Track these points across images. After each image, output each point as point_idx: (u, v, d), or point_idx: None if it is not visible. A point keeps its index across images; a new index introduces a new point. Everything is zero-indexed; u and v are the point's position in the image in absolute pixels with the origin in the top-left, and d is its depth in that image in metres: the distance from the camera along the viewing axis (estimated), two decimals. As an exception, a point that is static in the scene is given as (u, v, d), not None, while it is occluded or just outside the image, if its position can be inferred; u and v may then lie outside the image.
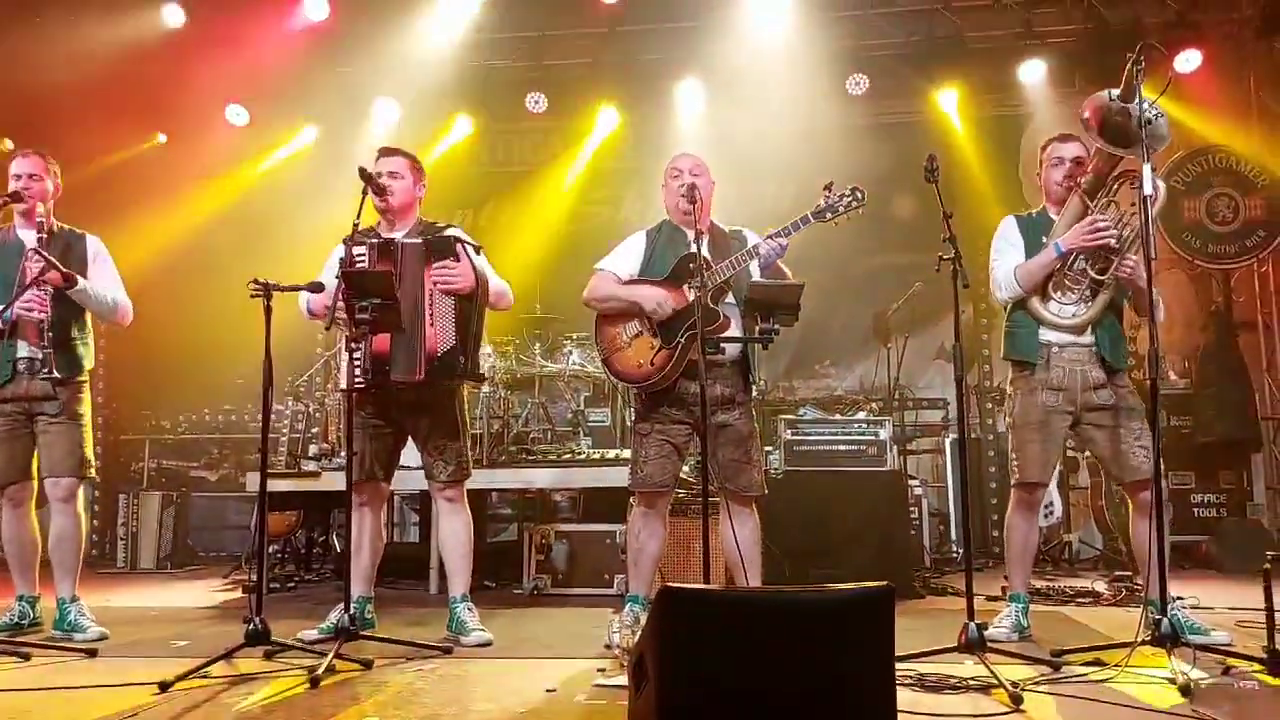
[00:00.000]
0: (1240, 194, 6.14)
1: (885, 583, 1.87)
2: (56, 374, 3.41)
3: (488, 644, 3.30)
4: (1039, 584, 4.52)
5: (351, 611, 3.05)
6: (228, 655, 2.90)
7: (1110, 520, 5.58)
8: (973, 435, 6.28)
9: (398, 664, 2.98)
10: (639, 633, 2.87)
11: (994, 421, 6.45)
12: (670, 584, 1.87)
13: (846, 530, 4.38)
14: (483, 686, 2.72)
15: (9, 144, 6.35)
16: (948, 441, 6.19)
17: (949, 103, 6.58)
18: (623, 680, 2.58)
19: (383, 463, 3.49)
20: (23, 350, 3.49)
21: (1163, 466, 2.93)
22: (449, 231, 3.54)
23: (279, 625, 3.06)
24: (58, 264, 3.40)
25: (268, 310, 3.07)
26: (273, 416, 4.52)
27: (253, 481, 5.23)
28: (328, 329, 3.26)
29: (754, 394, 3.56)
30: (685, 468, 3.69)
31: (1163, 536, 2.80)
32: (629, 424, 4.77)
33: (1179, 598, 3.20)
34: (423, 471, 3.55)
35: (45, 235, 3.48)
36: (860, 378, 6.77)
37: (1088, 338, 3.30)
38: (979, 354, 6.57)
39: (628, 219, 6.75)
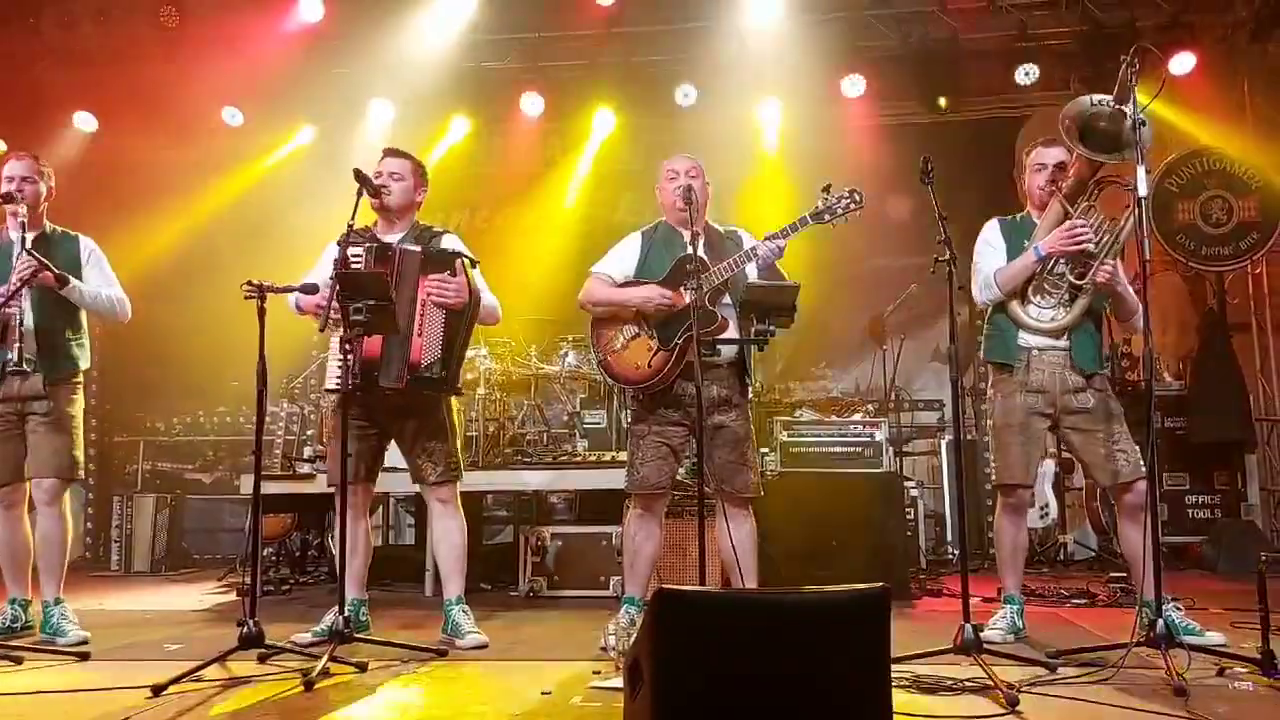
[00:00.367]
0: (1234, 196, 6.15)
1: (881, 584, 1.87)
2: (26, 368, 3.40)
3: (483, 646, 3.29)
4: (1034, 585, 4.52)
5: (346, 614, 3.04)
6: (221, 658, 2.89)
7: (1105, 521, 5.59)
8: (968, 437, 6.28)
9: (392, 667, 2.96)
10: (635, 635, 2.88)
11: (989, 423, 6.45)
12: (666, 586, 1.87)
13: (842, 532, 4.38)
14: (478, 689, 2.71)
15: (1, 145, 6.33)
16: (943, 443, 6.20)
17: (945, 105, 6.59)
18: (618, 683, 2.57)
19: (368, 465, 3.48)
20: (16, 351, 3.46)
21: (1155, 468, 2.94)
22: (445, 239, 3.54)
23: (273, 628, 3.05)
24: (49, 264, 3.39)
25: (262, 312, 3.06)
26: (267, 419, 4.52)
27: (247, 484, 5.21)
28: (322, 330, 3.25)
29: (750, 395, 3.56)
30: (681, 470, 3.69)
31: (1157, 537, 2.81)
32: (625, 426, 4.76)
33: (1172, 599, 3.20)
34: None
35: (31, 235, 3.46)
36: (856, 380, 6.77)
37: (1064, 342, 3.32)
38: (974, 356, 6.58)
39: (624, 221, 6.72)
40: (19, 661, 3.05)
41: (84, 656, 3.15)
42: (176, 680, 2.68)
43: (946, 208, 3.00)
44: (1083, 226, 3.17)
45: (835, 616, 1.83)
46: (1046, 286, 3.31)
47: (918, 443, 6.44)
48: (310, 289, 3.29)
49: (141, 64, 6.39)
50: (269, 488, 4.59)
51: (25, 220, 3.45)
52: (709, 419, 3.25)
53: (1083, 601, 4.28)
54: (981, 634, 2.83)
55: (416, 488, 4.84)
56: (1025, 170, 3.48)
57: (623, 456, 4.37)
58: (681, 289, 3.30)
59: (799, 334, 3.30)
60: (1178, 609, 3.21)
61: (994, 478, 3.42)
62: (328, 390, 3.35)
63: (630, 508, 3.49)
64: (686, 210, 3.28)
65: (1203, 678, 2.64)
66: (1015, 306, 3.33)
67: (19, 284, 3.35)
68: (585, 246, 5.45)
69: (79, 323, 3.65)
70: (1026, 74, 6.27)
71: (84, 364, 3.66)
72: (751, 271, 3.31)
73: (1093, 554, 5.74)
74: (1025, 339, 3.34)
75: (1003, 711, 2.37)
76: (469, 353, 5.21)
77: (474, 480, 4.78)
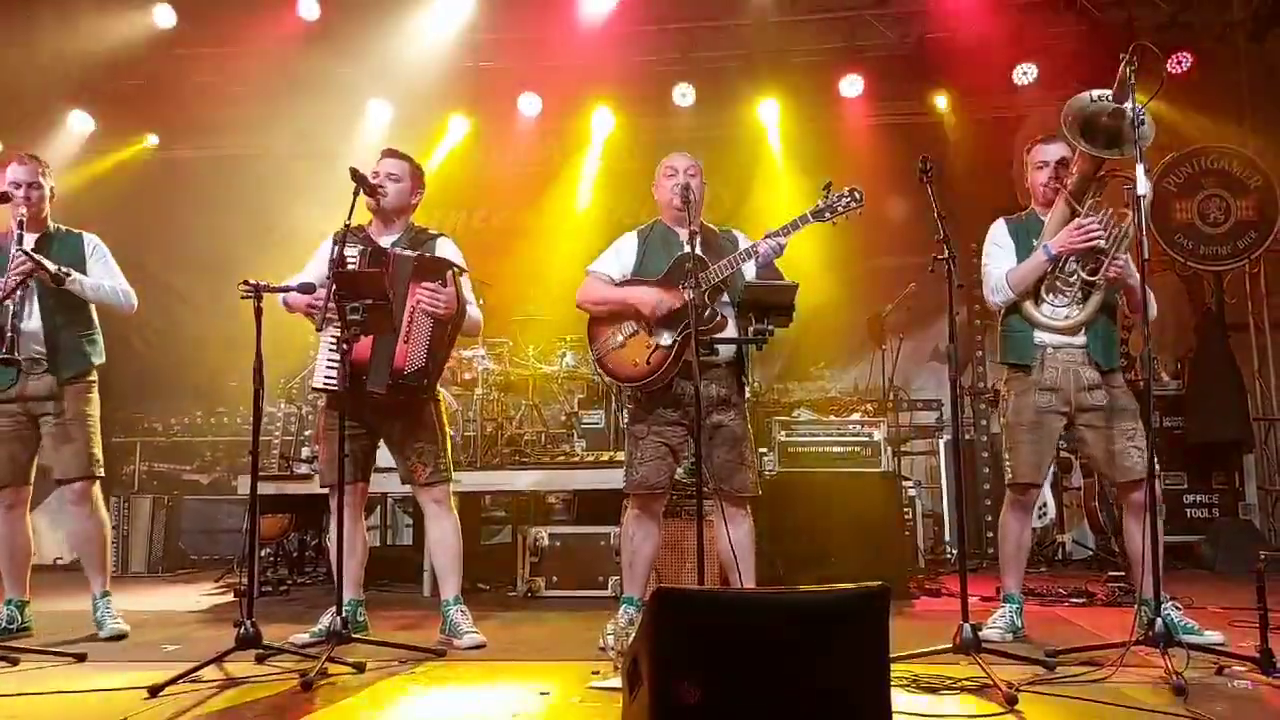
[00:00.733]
0: (1232, 195, 6.16)
1: (881, 583, 1.86)
2: (36, 368, 3.41)
3: (481, 646, 3.29)
4: (1032, 584, 4.52)
5: (343, 615, 3.03)
6: (219, 659, 2.88)
7: (1103, 521, 5.59)
8: (966, 437, 6.28)
9: (390, 667, 2.96)
10: (634, 635, 2.87)
11: (987, 423, 6.46)
12: (665, 585, 1.86)
13: (841, 531, 4.37)
14: (476, 689, 2.70)
15: None
16: (942, 443, 6.20)
17: (944, 104, 6.60)
18: (617, 683, 2.56)
19: (359, 465, 3.46)
20: (26, 351, 3.49)
21: (1156, 467, 2.93)
22: (440, 243, 3.53)
23: (270, 629, 3.04)
24: (45, 262, 3.39)
25: (258, 312, 3.05)
26: (264, 419, 4.51)
27: (244, 484, 5.20)
28: (319, 329, 3.24)
29: (747, 395, 3.55)
30: (680, 470, 3.68)
31: (1156, 537, 2.81)
32: (623, 426, 4.76)
33: (1171, 598, 3.20)
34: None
35: (33, 235, 3.49)
36: (855, 380, 6.77)
37: (1081, 339, 3.31)
38: (973, 355, 6.58)
39: (622, 220, 6.71)
40: (15, 663, 3.04)
41: (80, 657, 3.14)
42: (174, 681, 2.67)
43: (944, 207, 3.00)
44: (1092, 223, 3.17)
45: (835, 616, 1.82)
46: (1059, 284, 3.30)
47: (916, 442, 6.44)
48: (307, 288, 3.28)
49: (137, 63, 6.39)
50: (266, 488, 4.58)
51: (23, 219, 3.46)
52: (707, 418, 3.24)
53: (1081, 600, 4.28)
54: (980, 633, 2.82)
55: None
56: (1026, 168, 3.48)
57: (621, 457, 4.37)
58: (680, 287, 3.29)
59: (797, 334, 3.31)
60: (1176, 608, 3.21)
61: (1006, 476, 3.41)
62: (314, 388, 3.34)
63: (628, 508, 3.48)
64: (684, 208, 3.28)
65: (1202, 677, 2.64)
66: (1029, 306, 3.32)
67: (16, 282, 3.35)
68: (582, 245, 5.45)
69: (89, 319, 3.66)
70: (1025, 73, 6.28)
71: (97, 360, 3.67)
72: (749, 271, 3.31)
73: (1090, 554, 5.74)
74: (1040, 337, 3.33)
75: (1002, 710, 2.36)
76: (466, 353, 5.23)
77: (472, 480, 4.78)
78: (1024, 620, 3.36)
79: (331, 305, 3.02)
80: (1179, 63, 5.93)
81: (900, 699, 2.41)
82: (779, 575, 4.17)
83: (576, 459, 5.04)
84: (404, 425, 3.43)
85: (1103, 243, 3.18)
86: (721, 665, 1.78)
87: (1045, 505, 5.50)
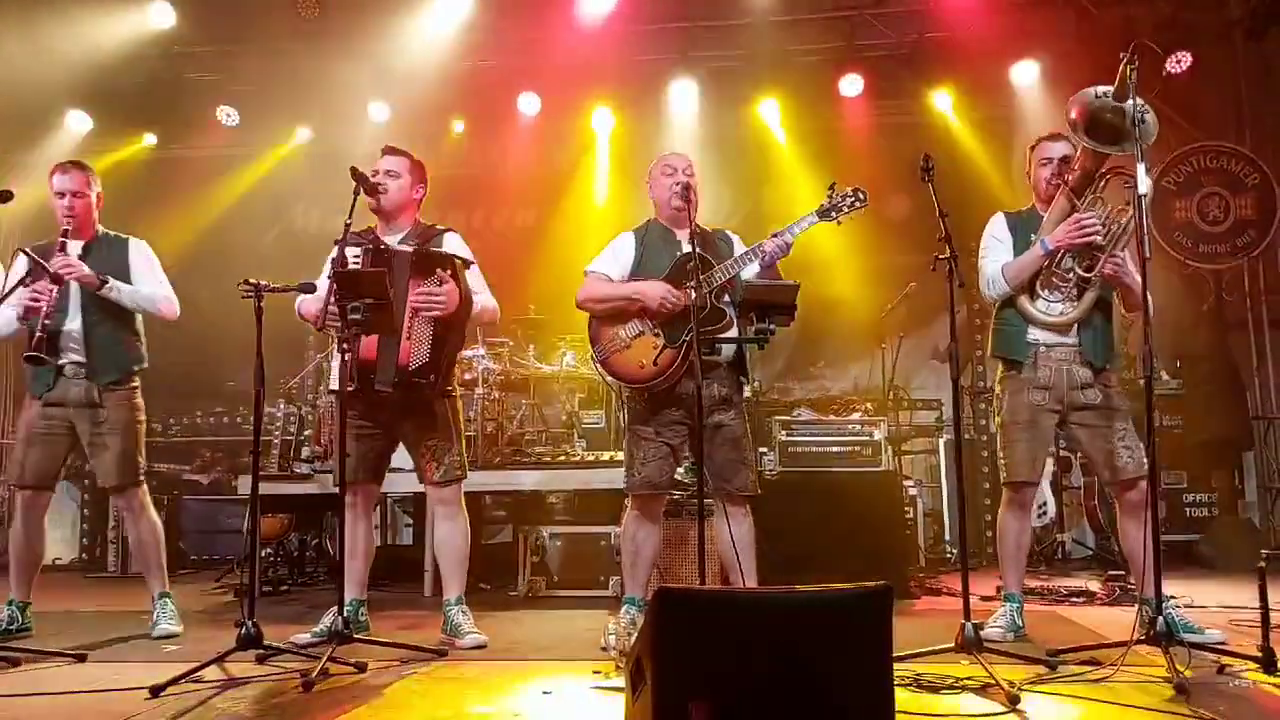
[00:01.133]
0: (1230, 194, 6.17)
1: (883, 582, 1.86)
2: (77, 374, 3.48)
3: (482, 646, 3.28)
4: (1033, 584, 4.52)
5: (345, 614, 3.03)
6: (220, 659, 2.88)
7: (1103, 520, 5.59)
8: (966, 436, 6.28)
9: (392, 667, 2.95)
10: (635, 635, 2.87)
11: (987, 422, 6.46)
12: (668, 585, 1.86)
13: (841, 531, 4.37)
14: (478, 689, 2.70)
15: None
16: (941, 442, 6.20)
17: (944, 104, 6.60)
18: (619, 683, 2.57)
19: (369, 465, 3.45)
20: (68, 357, 3.54)
21: (1155, 467, 2.93)
22: (446, 237, 3.52)
23: (271, 629, 3.03)
24: (85, 268, 3.45)
25: (259, 312, 3.05)
26: (265, 419, 4.50)
27: (245, 484, 5.20)
28: (319, 329, 3.24)
29: (746, 394, 3.55)
30: (680, 469, 3.68)
31: (1157, 535, 2.81)
32: (623, 426, 4.76)
33: (1171, 597, 3.20)
34: (415, 474, 3.53)
35: (79, 242, 3.57)
36: (855, 379, 6.76)
37: (1073, 337, 3.31)
38: (973, 354, 6.58)
39: (620, 220, 6.72)
40: (16, 663, 3.03)
41: (81, 658, 3.14)
42: (175, 681, 2.66)
43: (944, 206, 3.00)
44: (1090, 219, 3.17)
45: (838, 615, 1.83)
46: (1055, 280, 3.30)
47: (915, 441, 6.44)
48: (307, 288, 3.28)
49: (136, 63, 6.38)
50: (266, 488, 4.57)
51: (67, 228, 3.52)
52: (709, 418, 3.24)
53: (1081, 600, 4.28)
54: (982, 632, 2.82)
55: (414, 488, 4.84)
56: (1029, 165, 3.48)
57: (621, 457, 4.36)
58: (685, 287, 3.27)
59: (797, 333, 3.31)
60: (1176, 607, 3.21)
61: (1002, 475, 3.41)
62: (330, 391, 3.33)
63: (629, 508, 3.47)
64: (684, 207, 3.28)
65: (1203, 676, 2.64)
66: (1024, 301, 3.32)
67: (55, 286, 3.40)
68: (581, 245, 5.43)
69: (129, 324, 3.69)
70: (1025, 73, 6.28)
71: (137, 365, 3.70)
72: (748, 271, 3.31)
73: (1090, 552, 5.74)
74: (1033, 335, 3.34)
75: (1004, 710, 2.37)
76: (467, 353, 5.22)
77: (472, 480, 4.75)
78: (1025, 619, 3.36)
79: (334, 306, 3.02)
80: (1178, 62, 5.93)
81: (903, 698, 2.41)
82: (779, 575, 4.17)
83: (577, 459, 5.04)
84: (417, 424, 3.43)
85: (1100, 239, 3.18)
86: (724, 665, 1.78)
87: (1045, 504, 5.50)
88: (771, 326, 2.98)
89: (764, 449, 4.68)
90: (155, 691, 2.59)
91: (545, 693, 2.62)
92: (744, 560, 3.27)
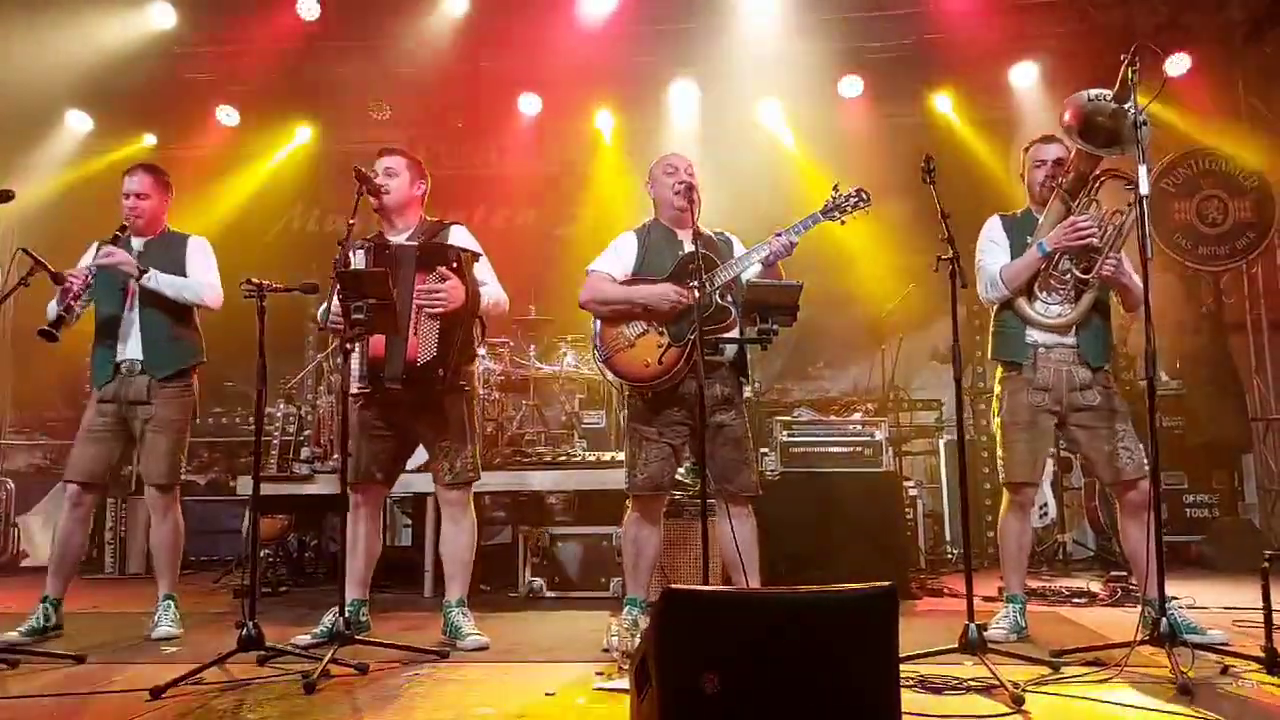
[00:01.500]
0: (1230, 196, 6.18)
1: (890, 582, 1.86)
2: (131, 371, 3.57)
3: (484, 647, 3.27)
4: (1034, 584, 4.52)
5: (346, 615, 3.02)
6: (221, 661, 2.86)
7: (1104, 520, 5.59)
8: (967, 436, 6.27)
9: (394, 668, 2.95)
10: (638, 636, 2.87)
11: (986, 422, 6.46)
12: (673, 586, 1.85)
13: (842, 531, 4.37)
14: (481, 690, 2.69)
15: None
16: (941, 443, 6.20)
17: (943, 105, 6.61)
18: (622, 683, 2.56)
19: (381, 465, 3.44)
20: (125, 352, 3.59)
21: (1156, 467, 2.93)
22: (452, 230, 3.52)
23: (271, 630, 3.02)
24: (124, 256, 3.53)
25: (261, 311, 3.04)
26: (264, 419, 4.49)
27: (244, 485, 5.18)
28: (322, 329, 3.23)
29: (746, 394, 3.55)
30: (680, 470, 3.67)
31: (1160, 536, 2.81)
32: (624, 426, 4.75)
33: (1173, 598, 3.20)
34: (416, 475, 3.53)
35: (141, 240, 3.69)
36: (854, 379, 6.77)
37: (1072, 338, 3.32)
38: (973, 354, 6.59)
39: (620, 220, 6.72)
40: (14, 665, 3.02)
41: (80, 659, 3.12)
42: (176, 683, 2.65)
43: (944, 207, 3.00)
44: (1085, 222, 3.18)
45: (845, 615, 1.82)
46: (1052, 282, 3.31)
47: (915, 442, 6.44)
48: (310, 288, 3.27)
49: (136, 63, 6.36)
50: (266, 489, 4.56)
51: (125, 225, 3.63)
52: (711, 418, 3.23)
53: (1083, 600, 4.28)
54: (985, 633, 2.82)
55: (413, 489, 4.85)
56: (1024, 167, 3.49)
57: (622, 457, 4.35)
58: (689, 286, 3.26)
59: (797, 334, 3.30)
60: (1179, 608, 3.21)
61: (1001, 476, 3.41)
62: (350, 394, 3.30)
63: (630, 509, 3.46)
64: (687, 208, 3.27)
65: (1207, 676, 2.64)
66: (1022, 303, 3.34)
67: (90, 275, 3.49)
68: (582, 245, 5.41)
69: (185, 320, 3.72)
70: (1025, 74, 6.29)
71: (191, 360, 3.74)
72: (751, 271, 3.30)
73: (1091, 553, 5.74)
74: (1032, 336, 3.35)
75: (1009, 711, 2.36)
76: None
77: (473, 481, 4.76)
78: (1027, 620, 3.36)
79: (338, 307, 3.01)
80: (1177, 64, 5.94)
81: (907, 699, 2.40)
82: (780, 575, 4.17)
83: (578, 459, 5.03)
84: (430, 423, 3.42)
85: (1096, 241, 3.19)
86: (731, 665, 1.78)
87: (1046, 505, 5.50)
88: (774, 327, 2.98)
89: (765, 449, 4.68)
90: (156, 693, 2.58)
91: (548, 694, 2.62)
92: (747, 560, 3.26)
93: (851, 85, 6.45)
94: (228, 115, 6.82)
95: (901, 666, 2.42)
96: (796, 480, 4.57)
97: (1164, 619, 2.69)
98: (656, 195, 3.51)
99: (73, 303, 3.45)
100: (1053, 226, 3.26)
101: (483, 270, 3.45)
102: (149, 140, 7.12)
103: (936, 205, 2.99)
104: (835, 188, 3.29)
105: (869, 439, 4.66)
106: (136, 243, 3.68)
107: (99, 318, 3.66)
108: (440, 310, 3.25)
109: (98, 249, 3.60)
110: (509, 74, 6.76)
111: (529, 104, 6.72)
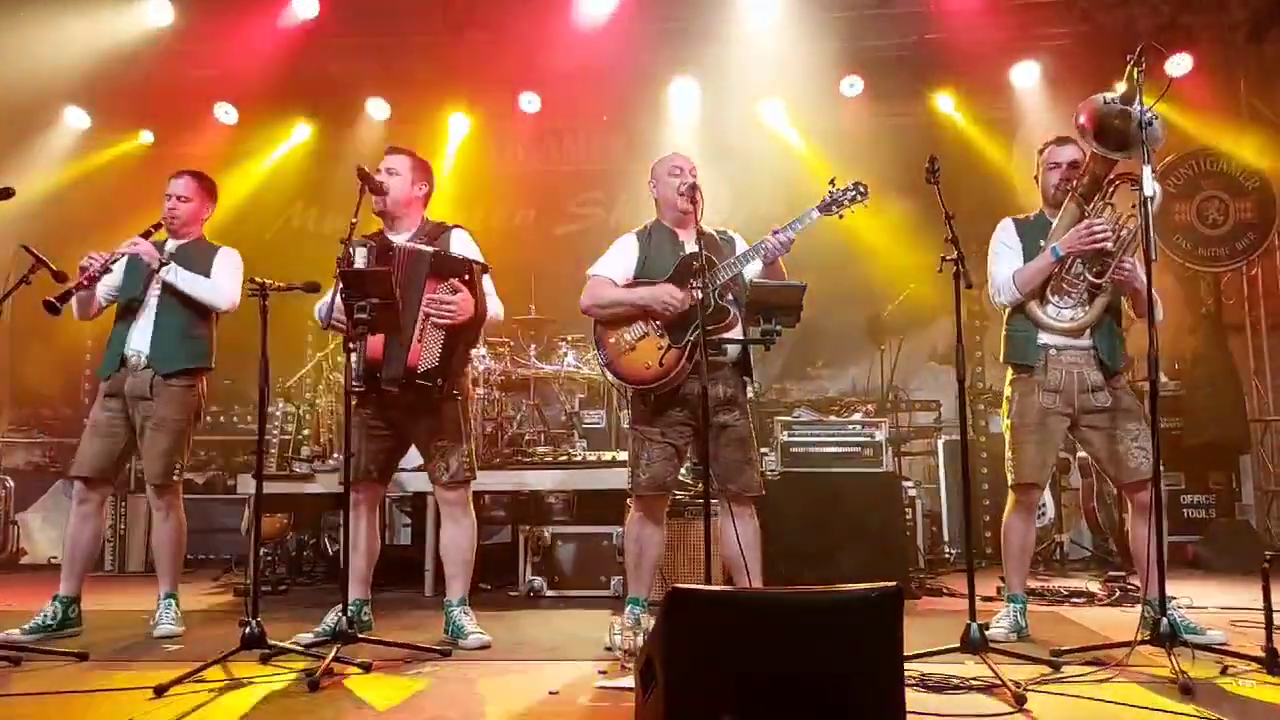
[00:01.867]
0: (1230, 197, 6.19)
1: (894, 582, 1.86)
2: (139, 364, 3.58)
3: (487, 646, 3.28)
4: (1032, 584, 4.52)
5: (348, 614, 3.02)
6: (223, 659, 2.86)
7: (1101, 521, 5.61)
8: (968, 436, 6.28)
9: (397, 667, 2.95)
10: (640, 635, 2.87)
11: (986, 423, 6.48)
12: (678, 585, 1.86)
13: (842, 531, 4.38)
14: (484, 688, 2.70)
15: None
16: (940, 443, 6.21)
17: (945, 105, 6.61)
18: (625, 682, 2.56)
19: (378, 464, 3.44)
20: (133, 344, 3.60)
21: (1158, 468, 2.94)
22: (453, 234, 3.51)
23: (271, 628, 3.02)
24: (146, 244, 3.58)
25: (264, 310, 3.04)
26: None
27: (243, 484, 5.18)
28: (324, 328, 3.22)
29: (749, 394, 3.55)
30: (682, 470, 3.67)
31: (1161, 536, 2.81)
32: (625, 426, 4.75)
33: (1173, 598, 3.21)
34: (415, 474, 3.53)
35: (177, 241, 3.74)
36: (853, 379, 6.77)
37: (1085, 340, 3.31)
38: (973, 355, 6.60)
39: (620, 220, 6.72)
40: (17, 663, 3.01)
41: (82, 656, 3.12)
42: (179, 681, 2.65)
43: (949, 207, 3.00)
44: (1100, 225, 3.17)
45: (850, 615, 1.83)
46: (1065, 286, 3.30)
47: (914, 443, 6.45)
48: (312, 287, 3.27)
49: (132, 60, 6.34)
50: (266, 487, 4.55)
51: (161, 223, 3.70)
52: (714, 418, 3.23)
53: (1082, 600, 4.29)
54: (986, 633, 2.83)
55: (413, 488, 4.84)
56: (1038, 169, 3.48)
57: (623, 457, 4.36)
58: (689, 287, 3.26)
59: (797, 333, 3.28)
60: (1178, 608, 3.22)
61: (1009, 477, 3.41)
62: (349, 392, 3.31)
63: (631, 509, 3.46)
64: (691, 208, 3.26)
65: (1207, 676, 2.65)
66: (1034, 307, 3.32)
67: (111, 258, 3.52)
68: (582, 246, 5.42)
69: (198, 320, 3.71)
70: (1026, 74, 6.30)
71: (198, 362, 3.72)
72: (752, 270, 3.30)
73: (1088, 553, 5.76)
74: (1044, 338, 3.34)
75: (1011, 710, 2.37)
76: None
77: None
78: (1027, 620, 3.37)
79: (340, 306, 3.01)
80: (1179, 64, 5.95)
81: (909, 698, 2.40)
82: (780, 575, 4.17)
83: (578, 459, 5.03)
84: (427, 424, 3.41)
85: (1110, 245, 3.18)
86: (736, 665, 1.78)
87: (1044, 505, 5.51)
88: (778, 327, 2.97)
89: (765, 449, 4.69)
90: (160, 691, 2.58)
91: (552, 692, 2.62)
92: (750, 561, 3.26)
93: (852, 85, 6.45)
94: (226, 113, 6.80)
95: (904, 665, 2.44)
96: (796, 480, 4.58)
97: (1164, 619, 2.69)
98: (660, 195, 3.50)
99: (85, 282, 3.45)
100: (1067, 230, 3.24)
101: (485, 282, 3.44)
102: (146, 137, 7.09)
103: (941, 206, 2.98)
104: (832, 182, 3.26)
105: (869, 439, 4.67)
106: (171, 244, 3.72)
107: (118, 307, 3.68)
108: (448, 322, 3.25)
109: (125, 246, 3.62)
110: (509, 73, 6.75)
111: (529, 103, 6.71)
